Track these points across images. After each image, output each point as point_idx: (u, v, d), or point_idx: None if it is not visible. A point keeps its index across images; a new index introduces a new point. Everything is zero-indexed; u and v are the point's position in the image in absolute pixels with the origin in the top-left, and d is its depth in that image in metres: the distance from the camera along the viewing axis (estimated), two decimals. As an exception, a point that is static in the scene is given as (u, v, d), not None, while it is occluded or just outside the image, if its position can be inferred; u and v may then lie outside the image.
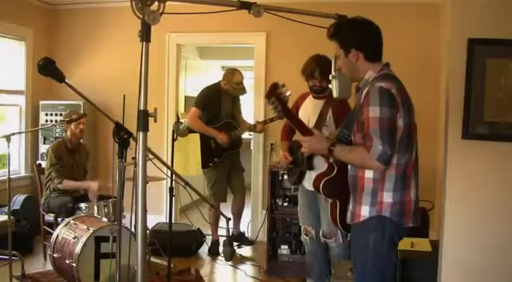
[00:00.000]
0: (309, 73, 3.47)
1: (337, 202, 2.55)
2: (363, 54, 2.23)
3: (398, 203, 2.17)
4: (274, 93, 2.36)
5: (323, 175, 2.62)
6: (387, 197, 2.17)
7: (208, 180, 4.98)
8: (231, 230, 4.89)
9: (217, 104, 4.88)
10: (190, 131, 4.86)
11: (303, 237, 3.71)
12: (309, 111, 3.51)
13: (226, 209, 5.16)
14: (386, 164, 2.10)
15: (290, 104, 2.83)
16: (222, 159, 4.85)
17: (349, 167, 2.33)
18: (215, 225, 4.99)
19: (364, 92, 2.18)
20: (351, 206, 2.31)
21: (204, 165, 4.86)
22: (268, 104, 2.43)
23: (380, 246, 2.20)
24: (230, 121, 4.90)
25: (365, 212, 2.21)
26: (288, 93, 2.47)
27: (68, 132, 4.54)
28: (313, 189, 3.48)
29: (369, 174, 2.19)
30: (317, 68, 3.40)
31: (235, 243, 4.86)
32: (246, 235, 5.25)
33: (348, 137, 2.34)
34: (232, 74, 4.90)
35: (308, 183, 3.52)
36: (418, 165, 2.28)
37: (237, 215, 5.10)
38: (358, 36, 2.24)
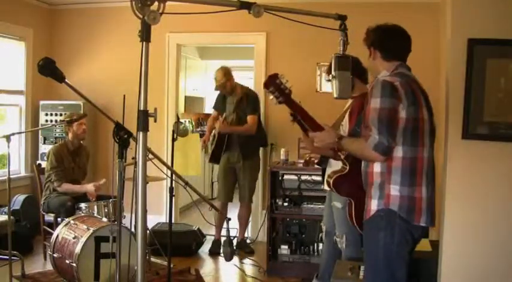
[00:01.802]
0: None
1: (352, 201, 2.55)
2: (380, 53, 2.35)
3: (406, 198, 2.19)
4: (273, 83, 2.35)
5: (335, 172, 2.63)
6: (394, 190, 2.19)
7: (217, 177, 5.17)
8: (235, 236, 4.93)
9: (222, 105, 5.01)
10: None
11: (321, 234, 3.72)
12: (341, 111, 3.49)
13: (235, 209, 5.17)
14: (384, 154, 2.15)
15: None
16: (219, 151, 4.93)
17: (362, 163, 2.36)
18: (218, 226, 4.99)
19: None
20: (365, 204, 2.33)
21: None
22: (268, 93, 2.43)
23: (390, 246, 2.20)
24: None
25: (374, 205, 2.24)
26: (288, 84, 2.43)
27: (70, 134, 4.53)
28: (327, 189, 3.50)
29: (376, 168, 2.23)
30: None
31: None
32: (248, 242, 5.21)
33: (358, 134, 2.37)
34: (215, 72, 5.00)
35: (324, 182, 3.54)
36: (434, 164, 2.30)
37: (240, 222, 5.09)
38: (377, 35, 2.37)
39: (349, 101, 3.46)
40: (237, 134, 4.86)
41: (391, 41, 2.36)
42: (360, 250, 3.40)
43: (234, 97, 4.93)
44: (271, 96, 2.41)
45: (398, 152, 2.18)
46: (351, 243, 3.38)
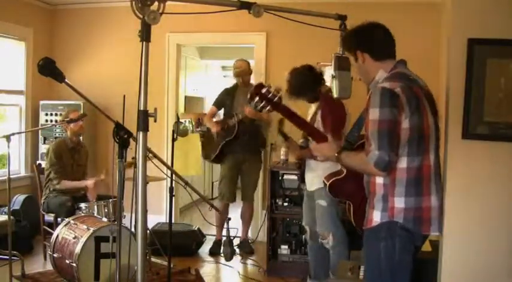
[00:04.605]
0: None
1: (350, 203, 2.54)
2: (368, 55, 2.20)
3: (412, 210, 2.09)
4: (258, 94, 2.21)
5: (333, 175, 2.61)
6: (399, 202, 2.10)
7: (219, 177, 5.05)
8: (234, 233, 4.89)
9: (230, 100, 4.94)
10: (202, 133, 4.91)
11: (305, 235, 3.74)
12: (308, 116, 3.52)
13: (236, 209, 5.17)
14: (385, 170, 2.04)
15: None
16: (223, 149, 4.83)
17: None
18: (219, 226, 4.98)
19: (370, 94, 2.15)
20: (366, 211, 2.25)
21: (209, 158, 4.96)
22: (251, 105, 2.27)
23: (392, 255, 2.13)
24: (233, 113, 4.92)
25: (376, 217, 2.15)
26: (278, 92, 2.30)
27: (68, 132, 4.58)
28: (310, 190, 3.52)
29: (378, 179, 2.14)
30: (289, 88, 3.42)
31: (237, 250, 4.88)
32: (250, 242, 5.17)
33: (355, 138, 2.32)
34: (235, 61, 5.04)
35: (306, 183, 3.57)
36: (440, 169, 2.21)
37: (244, 221, 5.09)
38: (359, 37, 2.23)
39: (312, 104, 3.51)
40: (248, 132, 4.80)
41: (377, 39, 2.22)
42: (347, 249, 3.41)
43: (247, 91, 4.95)
44: (258, 107, 2.26)
45: (403, 163, 2.08)
46: (339, 243, 3.38)
